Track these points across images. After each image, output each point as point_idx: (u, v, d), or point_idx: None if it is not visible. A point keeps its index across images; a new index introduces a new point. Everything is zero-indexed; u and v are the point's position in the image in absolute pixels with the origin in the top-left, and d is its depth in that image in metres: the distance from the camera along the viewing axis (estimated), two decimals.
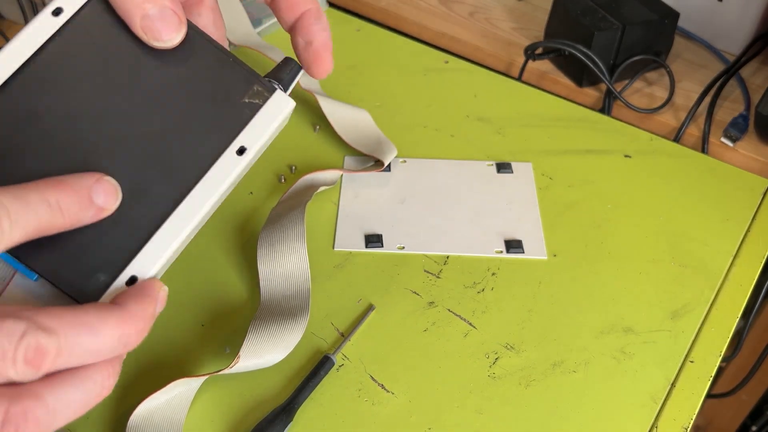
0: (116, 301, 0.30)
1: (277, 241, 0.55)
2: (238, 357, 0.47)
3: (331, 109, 0.67)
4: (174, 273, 0.56)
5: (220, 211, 0.61)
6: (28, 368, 0.26)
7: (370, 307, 0.53)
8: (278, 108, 0.38)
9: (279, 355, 0.49)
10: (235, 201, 0.62)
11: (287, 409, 0.46)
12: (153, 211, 0.34)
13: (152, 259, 0.33)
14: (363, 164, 0.66)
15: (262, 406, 0.48)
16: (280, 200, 0.60)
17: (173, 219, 0.34)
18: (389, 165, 0.65)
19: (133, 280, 0.33)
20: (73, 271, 0.32)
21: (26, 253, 0.32)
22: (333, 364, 0.49)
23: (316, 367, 0.49)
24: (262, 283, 0.53)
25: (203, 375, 0.47)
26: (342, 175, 0.64)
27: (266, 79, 0.38)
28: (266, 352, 0.48)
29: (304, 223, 0.55)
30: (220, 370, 0.47)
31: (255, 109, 0.37)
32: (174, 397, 0.46)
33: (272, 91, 0.38)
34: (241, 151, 0.36)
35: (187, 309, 0.54)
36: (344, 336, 0.52)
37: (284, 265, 0.54)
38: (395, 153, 0.65)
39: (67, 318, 0.27)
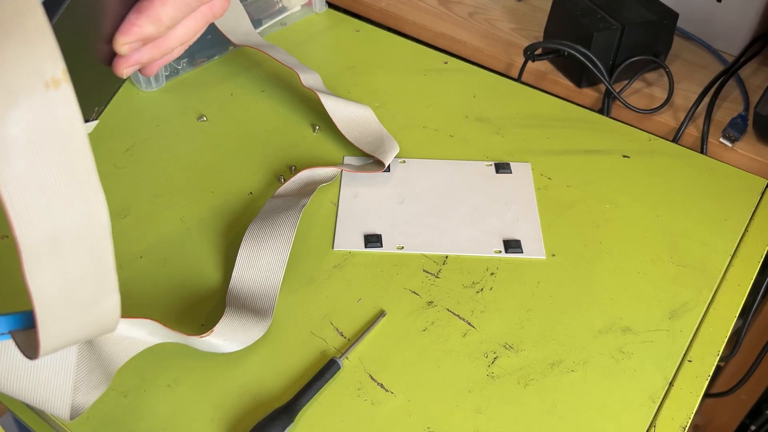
0: None
1: (263, 239, 0.55)
2: (212, 331, 0.48)
3: (333, 106, 0.67)
4: (174, 273, 0.56)
5: (220, 212, 0.61)
6: None
7: (381, 313, 0.53)
8: None
9: (236, 347, 0.50)
10: (235, 201, 0.62)
11: (289, 410, 0.46)
12: None
13: None
14: (363, 164, 0.66)
15: (263, 406, 0.48)
16: (277, 193, 0.61)
17: None
18: (389, 166, 0.65)
19: None
20: None
21: None
22: (339, 368, 0.50)
23: (321, 371, 0.49)
24: (236, 270, 0.54)
25: (174, 330, 0.47)
26: (342, 175, 0.64)
27: None
28: (231, 339, 0.50)
29: (294, 229, 0.55)
30: (190, 335, 0.48)
31: None
32: (131, 337, 0.47)
33: None
34: None
35: (187, 309, 0.54)
36: (343, 336, 0.52)
37: (262, 263, 0.54)
38: (397, 150, 0.65)
39: None
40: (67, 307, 0.32)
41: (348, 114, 0.68)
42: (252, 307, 0.52)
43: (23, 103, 0.27)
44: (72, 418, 0.42)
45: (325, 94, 0.69)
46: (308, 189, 0.61)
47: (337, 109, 0.67)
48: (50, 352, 0.33)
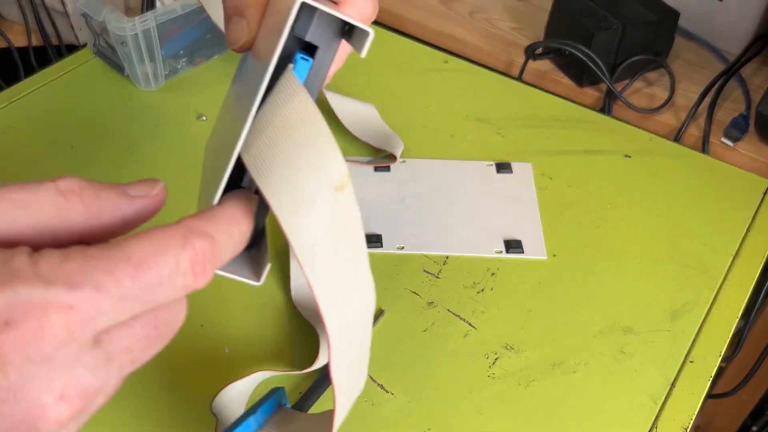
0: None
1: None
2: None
3: (337, 102, 0.67)
4: None
5: None
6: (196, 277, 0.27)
7: (381, 313, 0.53)
8: None
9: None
10: None
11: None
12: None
13: None
14: (369, 160, 0.66)
15: None
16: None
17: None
18: (389, 165, 0.65)
19: None
20: None
21: None
22: None
23: (323, 374, 0.49)
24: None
25: (289, 371, 0.48)
26: None
27: None
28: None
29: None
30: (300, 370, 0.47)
31: None
32: (246, 387, 0.48)
33: None
34: None
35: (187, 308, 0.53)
36: None
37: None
38: (402, 147, 0.65)
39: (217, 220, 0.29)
40: (350, 387, 0.34)
41: (352, 111, 0.68)
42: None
43: (321, 206, 0.29)
44: None
45: (328, 91, 0.69)
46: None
47: (341, 105, 0.67)
48: None
